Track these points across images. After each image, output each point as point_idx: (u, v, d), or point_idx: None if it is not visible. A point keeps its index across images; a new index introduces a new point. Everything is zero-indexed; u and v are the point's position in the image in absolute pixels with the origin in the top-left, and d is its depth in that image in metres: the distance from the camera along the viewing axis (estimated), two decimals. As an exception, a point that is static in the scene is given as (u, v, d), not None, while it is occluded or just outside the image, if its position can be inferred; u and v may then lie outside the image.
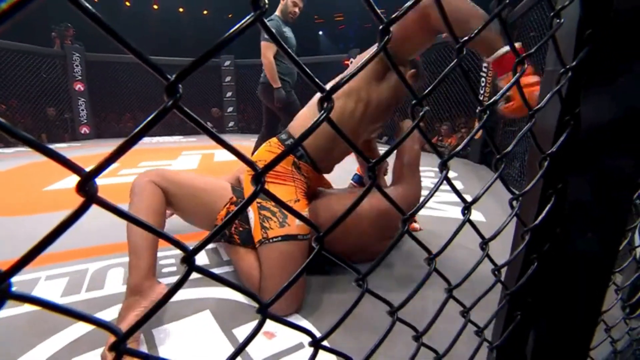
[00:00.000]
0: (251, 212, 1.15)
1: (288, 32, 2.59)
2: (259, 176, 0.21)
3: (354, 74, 0.22)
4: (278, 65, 2.49)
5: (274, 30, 0.19)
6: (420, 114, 0.28)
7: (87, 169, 0.18)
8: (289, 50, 0.21)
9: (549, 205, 0.45)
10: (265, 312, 0.26)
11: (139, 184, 1.10)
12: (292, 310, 1.07)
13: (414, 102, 0.27)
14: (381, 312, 0.41)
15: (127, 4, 11.48)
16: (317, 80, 0.22)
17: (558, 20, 0.37)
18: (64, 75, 6.00)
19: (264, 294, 1.06)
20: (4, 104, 5.65)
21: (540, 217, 0.45)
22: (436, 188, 0.31)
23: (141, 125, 0.19)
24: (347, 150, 1.30)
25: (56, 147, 5.43)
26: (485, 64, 3.79)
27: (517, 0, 3.13)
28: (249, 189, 1.22)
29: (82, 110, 6.19)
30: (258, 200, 1.12)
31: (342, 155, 1.31)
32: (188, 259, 0.21)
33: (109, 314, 1.06)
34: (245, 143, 5.61)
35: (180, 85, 0.18)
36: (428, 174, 3.04)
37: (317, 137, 1.17)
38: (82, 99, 6.17)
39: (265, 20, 0.18)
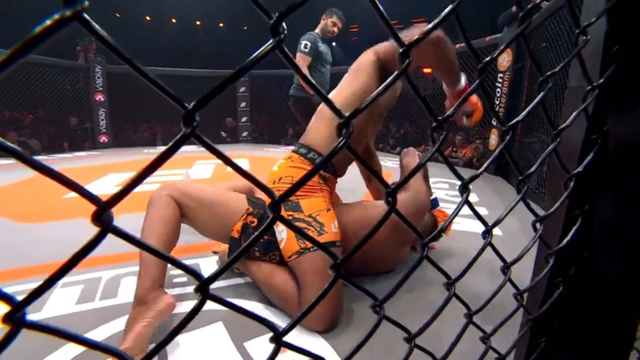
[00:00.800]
0: (282, 226, 1.14)
1: (324, 48, 2.73)
2: (276, 204, 0.20)
3: (374, 99, 0.22)
4: (312, 75, 2.64)
5: (309, 44, 0.19)
6: (441, 137, 0.27)
7: (104, 199, 0.18)
8: (319, 88, 0.21)
9: (575, 227, 0.43)
10: (280, 342, 0.25)
11: (156, 197, 1.13)
12: (334, 323, 1.04)
13: (434, 124, 0.27)
14: (397, 336, 0.40)
15: (147, 18, 11.94)
16: (335, 105, 0.22)
17: (584, 37, 0.36)
18: (86, 86, 6.26)
19: (306, 305, 1.03)
20: (31, 114, 5.92)
21: (566, 240, 0.43)
22: (455, 214, 0.30)
23: (160, 154, 0.19)
24: (363, 130, 1.35)
25: (76, 155, 5.66)
26: (500, 74, 3.74)
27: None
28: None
29: (102, 120, 6.42)
30: (289, 213, 1.12)
31: (349, 164, 1.36)
32: (203, 287, 0.21)
33: (121, 323, 1.07)
34: (259, 153, 5.67)
35: (197, 114, 0.17)
36: (442, 186, 2.99)
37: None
38: (102, 109, 6.40)
39: (303, 39, 0.18)
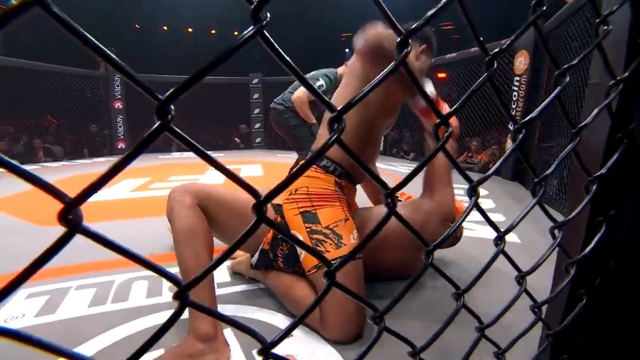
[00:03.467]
0: (300, 237, 1.08)
1: None
2: (259, 206, 0.19)
3: (368, 92, 0.20)
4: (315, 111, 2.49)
5: (325, 86, 0.17)
6: (446, 134, 0.25)
7: (71, 196, 0.17)
8: (315, 87, 0.19)
9: (599, 234, 0.40)
10: (269, 354, 0.23)
11: (176, 202, 1.00)
12: (357, 332, 1.00)
13: (438, 121, 0.24)
14: (402, 350, 0.37)
15: (165, 28, 12.32)
16: (326, 98, 0.20)
17: (605, 27, 0.33)
18: (105, 94, 6.50)
19: (329, 320, 0.99)
20: (55, 121, 6.20)
21: (588, 248, 0.39)
22: (462, 219, 0.27)
23: (131, 149, 0.17)
24: (374, 153, 1.29)
25: (95, 161, 5.85)
26: (517, 78, 3.65)
27: (549, 13, 3.01)
28: (290, 220, 1.11)
29: (120, 126, 6.63)
30: (307, 225, 1.07)
31: (370, 161, 1.29)
32: (181, 294, 0.19)
33: (131, 327, 1.07)
34: (272, 159, 5.71)
35: (172, 107, 0.16)
36: (457, 191, 2.92)
37: (350, 140, 1.13)
38: (120, 116, 6.61)
39: (320, 77, 0.16)
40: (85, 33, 0.15)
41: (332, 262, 1.04)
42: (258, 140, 7.59)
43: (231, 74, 7.17)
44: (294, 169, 1.25)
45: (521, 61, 3.61)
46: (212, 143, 7.48)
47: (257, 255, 1.16)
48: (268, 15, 0.17)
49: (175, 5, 11.27)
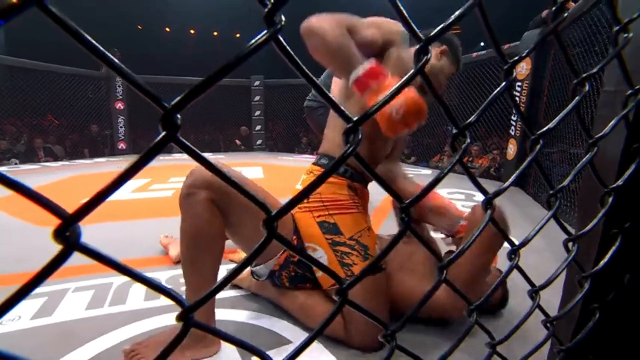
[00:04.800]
0: (320, 251, 0.99)
1: None
2: (270, 221, 0.17)
3: (387, 101, 0.19)
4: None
5: None
6: (463, 146, 0.24)
7: (70, 212, 0.16)
8: (326, 91, 0.18)
9: (614, 248, 0.38)
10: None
11: (189, 198, 0.88)
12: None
13: (455, 132, 0.23)
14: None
15: (167, 29, 12.37)
16: (341, 107, 0.19)
17: (626, 35, 0.32)
18: (107, 95, 6.51)
19: (352, 328, 0.96)
20: (57, 121, 6.20)
21: (603, 262, 0.38)
22: (476, 235, 0.26)
23: (137, 159, 0.16)
24: (386, 151, 1.18)
25: (96, 161, 5.83)
26: (519, 83, 3.65)
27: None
28: (306, 231, 1.01)
29: (121, 127, 6.62)
30: (327, 236, 0.99)
31: (382, 158, 1.19)
32: (185, 316, 0.18)
33: (128, 331, 1.06)
34: (272, 161, 5.69)
35: (178, 116, 0.15)
36: (458, 197, 2.91)
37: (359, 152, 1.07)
38: (122, 117, 6.61)
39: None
40: (90, 39, 0.14)
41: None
42: (259, 142, 7.58)
43: (232, 76, 7.18)
44: (308, 177, 1.13)
45: (523, 67, 3.61)
46: (213, 145, 7.48)
47: (265, 273, 1.08)
48: (283, 18, 0.16)
49: (178, 6, 11.31)
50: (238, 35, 12.90)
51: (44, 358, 0.92)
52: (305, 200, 1.03)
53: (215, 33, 12.90)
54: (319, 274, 1.01)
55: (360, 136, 0.18)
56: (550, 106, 3.24)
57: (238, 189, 0.18)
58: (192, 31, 12.70)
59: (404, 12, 0.20)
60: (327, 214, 1.01)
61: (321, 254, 0.99)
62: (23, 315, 1.14)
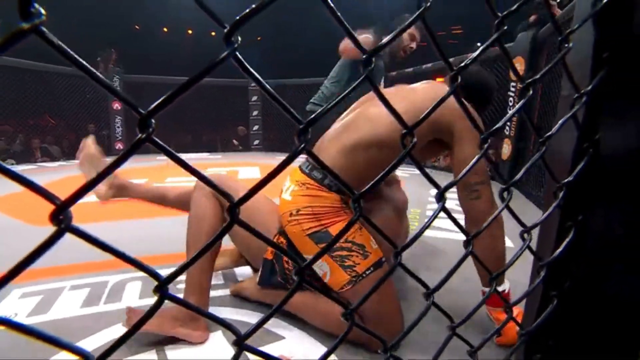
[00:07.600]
0: (319, 260, 1.01)
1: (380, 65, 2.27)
2: (233, 208, 0.21)
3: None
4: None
5: None
6: (412, 144, 0.27)
7: (62, 199, 0.19)
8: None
9: (567, 239, 0.42)
10: (242, 345, 0.25)
11: (198, 197, 1.12)
12: (398, 331, 0.97)
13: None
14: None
15: (165, 29, 12.37)
16: (292, 111, 0.22)
17: (567, 45, 0.35)
18: (104, 95, 6.51)
19: (373, 328, 0.98)
20: (54, 121, 6.21)
21: (557, 252, 0.41)
22: (431, 220, 0.30)
23: (116, 158, 0.19)
24: (380, 171, 1.20)
25: (93, 161, 5.83)
26: (513, 84, 3.69)
27: (544, 21, 3.07)
28: (303, 248, 1.05)
29: (118, 127, 6.63)
30: (320, 245, 1.01)
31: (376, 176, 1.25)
32: (161, 287, 0.21)
33: (123, 328, 1.08)
34: (269, 161, 5.72)
35: (153, 120, 0.18)
36: (453, 196, 2.94)
37: (352, 177, 1.04)
38: (119, 117, 6.61)
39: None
40: (79, 58, 0.17)
41: (366, 273, 1.00)
42: (256, 142, 7.61)
43: (230, 76, 7.21)
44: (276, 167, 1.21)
45: (517, 68, 3.66)
46: (210, 145, 7.50)
47: (261, 269, 1.12)
48: (239, 38, 0.19)
49: (175, 6, 11.32)
50: (213, 34, 12.88)
51: (39, 355, 0.94)
52: (295, 214, 1.05)
53: (212, 33, 12.90)
54: (326, 279, 1.02)
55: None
56: (545, 106, 3.29)
57: (195, 173, 0.21)
58: (189, 31, 12.71)
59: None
60: (319, 225, 1.03)
61: (321, 262, 1.02)
62: (19, 312, 1.16)
